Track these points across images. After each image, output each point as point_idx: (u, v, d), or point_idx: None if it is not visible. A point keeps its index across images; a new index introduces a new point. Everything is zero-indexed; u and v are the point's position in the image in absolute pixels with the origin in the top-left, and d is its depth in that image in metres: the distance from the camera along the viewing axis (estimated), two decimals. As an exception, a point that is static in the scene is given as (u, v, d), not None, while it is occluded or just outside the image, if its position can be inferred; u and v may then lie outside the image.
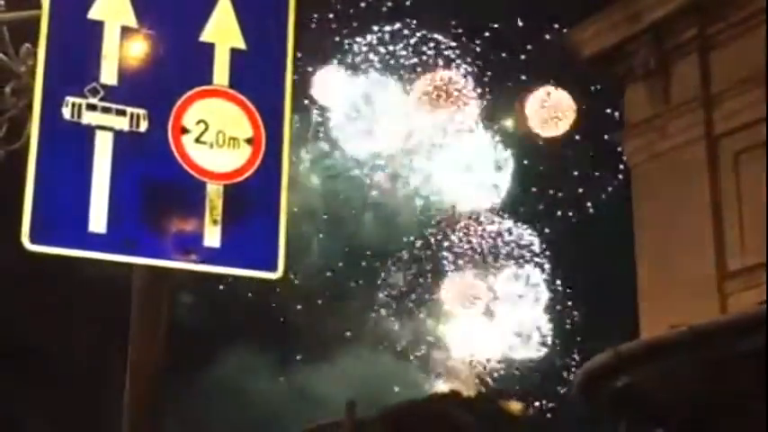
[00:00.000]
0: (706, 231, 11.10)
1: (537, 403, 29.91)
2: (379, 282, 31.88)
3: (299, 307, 31.00)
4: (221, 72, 3.87)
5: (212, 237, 3.74)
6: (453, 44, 30.81)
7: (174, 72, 3.81)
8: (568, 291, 30.89)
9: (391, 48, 30.99)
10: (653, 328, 10.43)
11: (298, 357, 31.14)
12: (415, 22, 30.98)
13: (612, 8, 12.26)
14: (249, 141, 3.84)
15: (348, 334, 31.21)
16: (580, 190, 30.82)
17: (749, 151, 10.97)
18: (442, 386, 30.20)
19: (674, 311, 10.21)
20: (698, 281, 10.91)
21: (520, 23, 30.56)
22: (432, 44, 30.87)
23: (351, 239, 31.52)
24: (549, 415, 29.81)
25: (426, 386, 30.57)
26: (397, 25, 31.03)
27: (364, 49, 30.93)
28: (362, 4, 30.97)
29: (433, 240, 31.56)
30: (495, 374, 31.05)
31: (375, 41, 31.01)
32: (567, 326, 30.81)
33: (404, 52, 30.91)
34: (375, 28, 31.00)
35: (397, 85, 30.71)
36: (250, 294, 28.85)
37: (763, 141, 10.68)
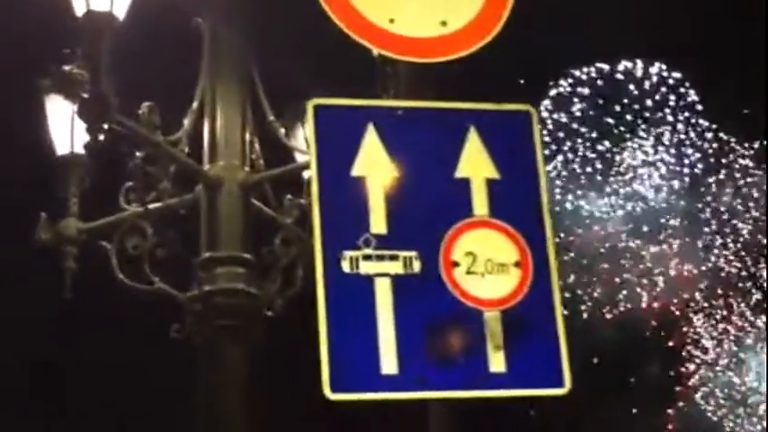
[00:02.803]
0: None
1: None
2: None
3: None
4: (480, 203, 4.08)
5: (497, 362, 3.90)
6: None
7: (436, 212, 4.04)
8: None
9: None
10: None
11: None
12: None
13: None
14: (517, 265, 4.01)
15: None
16: None
17: None
18: None
19: None
20: None
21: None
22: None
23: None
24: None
25: None
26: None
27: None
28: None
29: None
30: None
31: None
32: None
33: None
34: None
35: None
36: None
37: None
